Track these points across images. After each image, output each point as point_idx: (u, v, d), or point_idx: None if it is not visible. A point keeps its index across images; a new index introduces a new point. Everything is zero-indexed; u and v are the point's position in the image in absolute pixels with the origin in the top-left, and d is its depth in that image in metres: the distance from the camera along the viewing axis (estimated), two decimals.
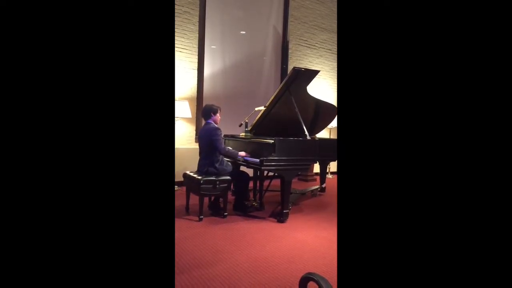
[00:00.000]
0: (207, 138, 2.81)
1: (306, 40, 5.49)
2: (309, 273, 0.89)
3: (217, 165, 2.84)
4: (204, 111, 2.94)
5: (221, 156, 2.91)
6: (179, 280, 1.67)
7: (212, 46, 4.51)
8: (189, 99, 4.17)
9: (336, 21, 5.87)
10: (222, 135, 2.88)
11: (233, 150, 2.92)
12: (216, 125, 2.88)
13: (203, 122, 2.98)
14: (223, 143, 2.84)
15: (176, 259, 1.92)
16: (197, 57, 4.29)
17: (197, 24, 4.28)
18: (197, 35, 4.28)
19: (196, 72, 4.30)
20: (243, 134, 3.39)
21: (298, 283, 0.96)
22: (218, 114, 2.93)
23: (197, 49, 4.29)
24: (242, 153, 2.94)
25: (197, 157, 3.07)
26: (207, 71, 4.45)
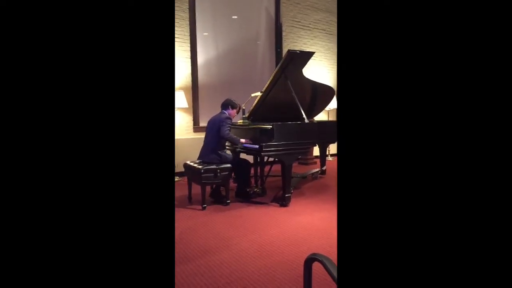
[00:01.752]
0: (216, 124, 2.86)
1: (299, 21, 5.38)
2: (314, 254, 0.90)
3: (220, 152, 2.87)
4: (224, 102, 3.02)
5: (225, 144, 2.94)
6: (186, 268, 1.70)
7: (204, 33, 4.42)
8: (184, 89, 4.12)
9: (329, 0, 5.74)
10: (230, 125, 2.91)
11: (236, 137, 2.93)
12: (228, 115, 2.92)
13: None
14: (228, 130, 2.85)
15: (182, 248, 1.95)
16: (189, 45, 4.22)
17: (187, 11, 4.18)
18: (188, 22, 4.19)
19: (189, 60, 4.23)
20: (241, 121, 3.37)
21: (303, 264, 0.97)
22: (235, 110, 3.01)
23: (189, 37, 4.20)
24: (243, 140, 2.95)
25: (197, 147, 3.07)
26: (200, 59, 4.39)
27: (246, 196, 3.06)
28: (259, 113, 3.44)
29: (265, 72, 5.04)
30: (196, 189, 2.98)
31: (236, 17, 4.74)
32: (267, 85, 3.15)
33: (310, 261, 0.94)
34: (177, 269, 1.69)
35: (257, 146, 2.74)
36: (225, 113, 2.94)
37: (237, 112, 3.08)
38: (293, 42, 5.32)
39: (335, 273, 0.78)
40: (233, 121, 3.45)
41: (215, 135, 2.86)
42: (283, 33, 5.17)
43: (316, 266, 0.95)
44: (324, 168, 4.16)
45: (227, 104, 2.99)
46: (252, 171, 3.30)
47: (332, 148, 5.62)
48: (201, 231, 2.24)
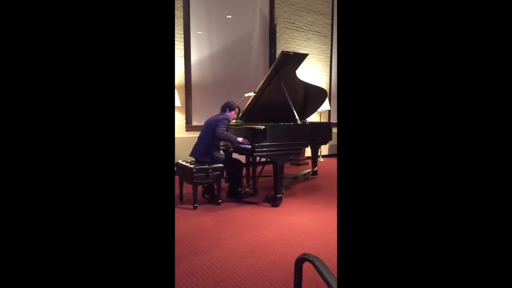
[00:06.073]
0: (213, 124, 2.83)
1: (293, 23, 5.40)
2: (304, 254, 0.92)
3: (214, 153, 2.85)
4: (223, 105, 3.02)
5: (218, 144, 2.92)
6: (178, 268, 1.69)
7: (198, 32, 4.40)
8: (177, 88, 4.10)
9: (323, 2, 5.78)
10: (227, 126, 2.87)
11: (232, 135, 2.91)
12: (226, 116, 2.91)
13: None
14: (223, 129, 2.82)
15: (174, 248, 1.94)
16: (183, 43, 4.19)
17: (181, 9, 4.15)
18: (182, 21, 4.17)
19: (183, 59, 4.21)
20: (234, 121, 3.37)
21: (294, 264, 0.98)
22: (233, 112, 2.99)
23: (182, 35, 4.18)
24: (241, 139, 2.89)
25: (189, 146, 3.06)
26: (194, 58, 4.37)
27: (237, 196, 3.06)
28: (252, 113, 3.45)
29: (258, 72, 5.05)
30: (188, 188, 2.97)
31: (230, 16, 4.73)
32: (260, 85, 3.16)
33: (300, 261, 0.95)
34: None
35: (249, 146, 2.74)
36: (223, 114, 2.94)
37: (237, 114, 3.07)
38: (287, 44, 5.34)
39: (325, 273, 0.80)
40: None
41: (209, 134, 2.84)
42: (277, 34, 5.18)
43: (306, 266, 0.97)
44: (315, 169, 4.19)
45: (225, 107, 2.99)
46: (244, 171, 3.31)
47: (324, 149, 5.67)
48: (193, 231, 2.24)
